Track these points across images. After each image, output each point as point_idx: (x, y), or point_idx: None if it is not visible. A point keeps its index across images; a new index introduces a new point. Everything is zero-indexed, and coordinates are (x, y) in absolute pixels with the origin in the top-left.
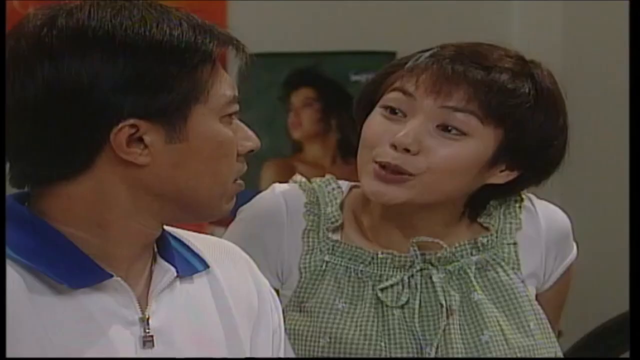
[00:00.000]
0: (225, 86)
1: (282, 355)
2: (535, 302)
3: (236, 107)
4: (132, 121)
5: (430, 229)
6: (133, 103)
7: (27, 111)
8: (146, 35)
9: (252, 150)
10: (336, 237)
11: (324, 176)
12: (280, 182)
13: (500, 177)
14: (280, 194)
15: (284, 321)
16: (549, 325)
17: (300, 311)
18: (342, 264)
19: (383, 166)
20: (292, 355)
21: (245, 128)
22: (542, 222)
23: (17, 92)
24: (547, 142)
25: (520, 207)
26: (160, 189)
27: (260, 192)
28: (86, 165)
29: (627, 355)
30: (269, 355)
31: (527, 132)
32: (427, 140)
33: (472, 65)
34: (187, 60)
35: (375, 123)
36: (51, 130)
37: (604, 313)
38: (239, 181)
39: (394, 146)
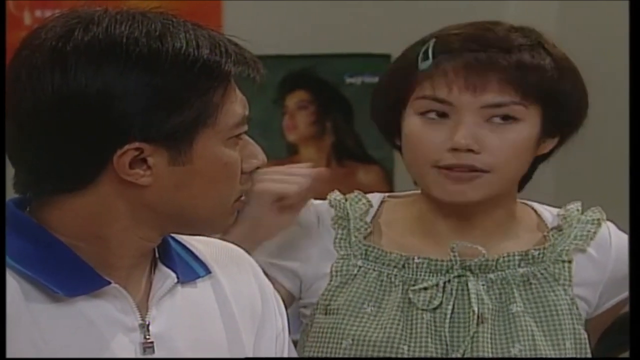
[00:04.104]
0: (235, 107)
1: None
2: (579, 322)
3: (244, 128)
4: (136, 144)
5: (486, 229)
6: (140, 126)
7: (35, 121)
8: (160, 56)
9: (258, 167)
10: (369, 243)
11: (320, 178)
12: None
13: (545, 147)
14: (314, 210)
15: (311, 325)
16: (587, 347)
17: (326, 313)
18: (375, 268)
19: (451, 168)
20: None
21: (252, 145)
22: (612, 252)
23: (27, 101)
24: (580, 102)
25: (595, 232)
26: (161, 207)
27: None
28: (88, 181)
29: (626, 355)
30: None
31: (563, 99)
32: (483, 136)
33: (491, 50)
34: (200, 84)
35: (420, 130)
36: (56, 144)
37: None
38: (243, 198)
39: (455, 149)
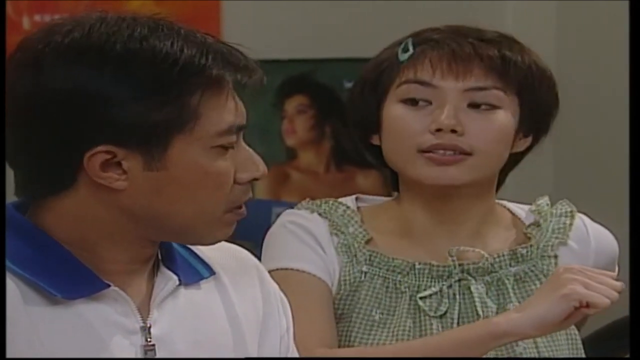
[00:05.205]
0: (222, 115)
1: None
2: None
3: (232, 138)
4: (107, 147)
5: (469, 227)
6: (111, 128)
7: (16, 121)
8: (136, 58)
9: (255, 179)
10: (372, 248)
11: (318, 183)
12: (275, 188)
13: (520, 144)
14: (316, 219)
15: None
16: (578, 339)
17: (338, 322)
18: (380, 274)
19: (435, 150)
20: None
21: (251, 155)
22: (593, 244)
23: (10, 101)
24: (554, 106)
25: (571, 224)
26: (139, 213)
27: (254, 198)
28: (69, 183)
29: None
30: None
31: (540, 97)
32: (465, 119)
33: (473, 40)
34: (174, 88)
35: (402, 116)
36: (34, 144)
37: (604, 317)
38: (241, 210)
39: (439, 130)
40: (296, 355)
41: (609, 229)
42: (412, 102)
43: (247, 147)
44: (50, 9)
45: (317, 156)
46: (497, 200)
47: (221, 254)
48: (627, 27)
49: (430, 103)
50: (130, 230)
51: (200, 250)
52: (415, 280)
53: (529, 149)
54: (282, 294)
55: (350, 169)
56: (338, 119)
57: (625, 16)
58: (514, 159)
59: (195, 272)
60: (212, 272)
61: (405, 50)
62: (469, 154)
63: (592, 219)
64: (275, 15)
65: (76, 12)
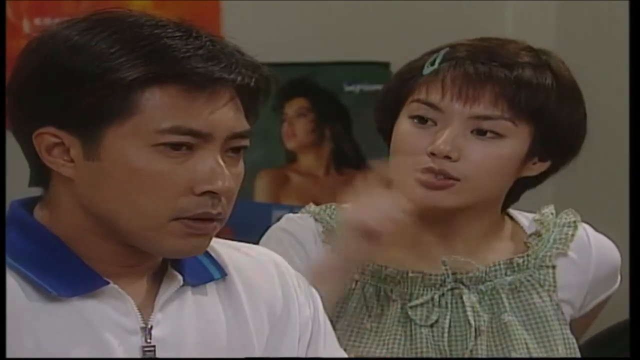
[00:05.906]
0: (167, 114)
1: (321, 350)
2: (566, 327)
3: (175, 139)
4: (50, 129)
5: (470, 240)
6: (52, 109)
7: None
8: (83, 47)
9: (212, 193)
10: None
11: (318, 186)
12: (274, 191)
13: (534, 169)
14: (307, 225)
15: None
16: (577, 350)
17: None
18: (372, 283)
19: (426, 172)
20: (337, 346)
21: (215, 167)
22: (594, 255)
23: None
24: (576, 130)
25: (573, 234)
26: (91, 209)
27: (254, 202)
28: (45, 170)
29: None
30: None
31: (557, 123)
32: (464, 145)
33: (493, 64)
34: (108, 79)
35: (407, 133)
36: (12, 125)
37: (603, 320)
38: (199, 225)
39: (433, 154)
40: (332, 340)
41: (608, 231)
42: (421, 119)
43: (219, 159)
44: (52, 12)
45: (317, 159)
46: None
47: (236, 253)
48: (627, 27)
49: (436, 124)
50: (96, 227)
51: (215, 251)
52: (407, 289)
53: (551, 170)
54: (310, 287)
55: (350, 172)
56: (338, 122)
57: (625, 16)
58: (536, 180)
59: (205, 273)
60: (223, 274)
61: (431, 64)
62: (457, 179)
63: (591, 221)
64: (275, 17)
65: (76, 15)
